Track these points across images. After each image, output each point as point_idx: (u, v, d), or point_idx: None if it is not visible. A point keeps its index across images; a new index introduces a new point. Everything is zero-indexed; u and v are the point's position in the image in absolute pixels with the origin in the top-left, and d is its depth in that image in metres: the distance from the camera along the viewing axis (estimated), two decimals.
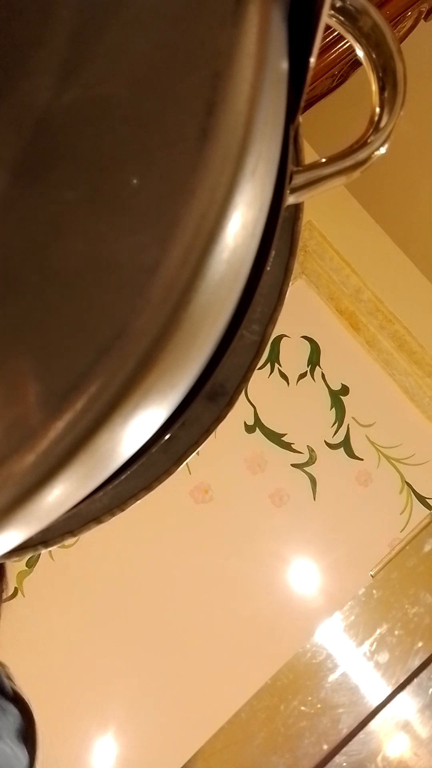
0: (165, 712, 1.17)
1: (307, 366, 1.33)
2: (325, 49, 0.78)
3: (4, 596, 0.51)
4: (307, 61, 0.15)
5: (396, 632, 1.25)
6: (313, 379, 1.33)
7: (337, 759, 1.17)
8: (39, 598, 1.15)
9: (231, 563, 1.23)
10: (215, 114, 0.12)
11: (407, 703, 1.22)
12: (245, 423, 1.29)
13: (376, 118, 0.19)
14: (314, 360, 1.34)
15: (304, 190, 0.18)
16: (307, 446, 1.30)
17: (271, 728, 1.20)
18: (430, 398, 1.33)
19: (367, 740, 1.19)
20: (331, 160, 0.19)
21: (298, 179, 0.18)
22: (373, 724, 1.20)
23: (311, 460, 1.30)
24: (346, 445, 1.32)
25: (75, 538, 0.25)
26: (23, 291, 0.12)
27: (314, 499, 1.29)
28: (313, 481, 1.29)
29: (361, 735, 1.19)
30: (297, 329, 1.34)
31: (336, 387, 1.33)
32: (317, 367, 1.34)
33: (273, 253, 0.18)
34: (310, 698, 1.21)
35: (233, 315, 0.16)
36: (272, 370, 1.31)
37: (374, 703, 1.22)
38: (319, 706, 1.21)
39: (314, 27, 0.14)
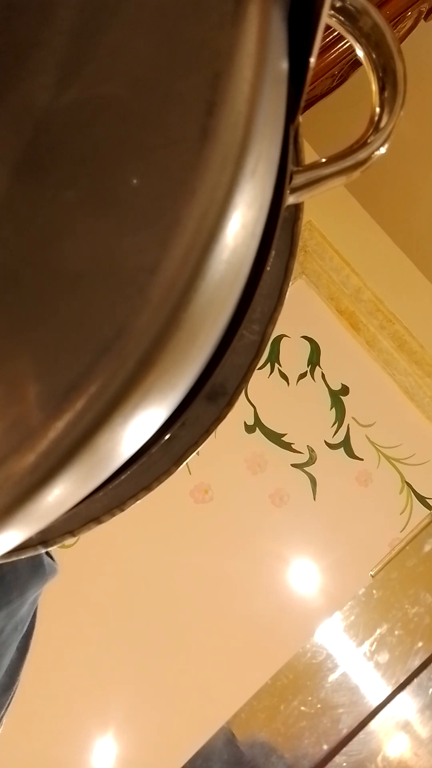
0: (165, 712, 1.17)
1: (307, 366, 1.33)
2: (325, 49, 0.78)
3: None
4: (307, 61, 0.15)
5: (396, 632, 1.25)
6: (313, 379, 1.33)
7: (337, 759, 1.17)
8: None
9: (231, 563, 1.23)
10: (215, 114, 0.12)
11: (407, 703, 1.22)
12: (245, 423, 1.29)
13: (376, 118, 0.19)
14: (314, 360, 1.34)
15: (304, 190, 0.18)
16: (307, 446, 1.30)
17: (271, 728, 1.20)
18: (430, 398, 1.33)
19: (367, 740, 1.19)
20: (331, 160, 0.19)
21: (298, 179, 0.18)
22: (373, 724, 1.20)
23: (311, 460, 1.30)
24: (346, 445, 1.31)
25: (75, 538, 0.25)
26: (23, 291, 0.12)
27: (314, 499, 1.29)
28: (313, 481, 1.29)
29: (361, 735, 1.19)
30: (297, 329, 1.34)
31: (336, 387, 1.33)
32: (317, 367, 1.34)
33: (273, 253, 0.18)
34: (310, 698, 1.21)
35: (233, 315, 0.16)
36: (272, 370, 1.31)
37: (374, 703, 1.22)
38: (319, 706, 1.21)
39: (314, 27, 0.14)
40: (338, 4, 0.17)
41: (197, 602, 1.21)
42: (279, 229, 0.17)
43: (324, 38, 0.72)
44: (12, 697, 0.44)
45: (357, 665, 1.24)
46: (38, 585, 0.43)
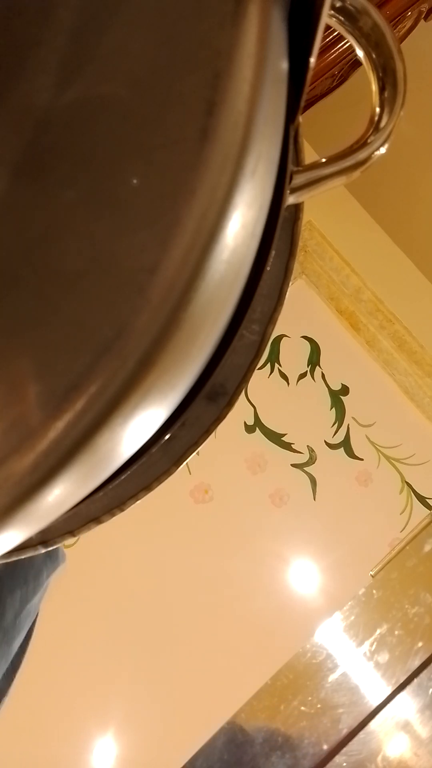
0: (165, 712, 1.17)
1: (307, 366, 1.33)
2: (325, 49, 0.78)
3: None
4: (307, 61, 0.15)
5: (396, 632, 1.25)
6: (313, 379, 1.33)
7: (337, 759, 1.17)
8: None
9: (231, 563, 1.23)
10: (215, 114, 0.12)
11: (407, 703, 1.22)
12: (245, 423, 1.29)
13: (376, 118, 0.19)
14: (314, 360, 1.34)
15: (304, 190, 0.18)
16: (307, 446, 1.30)
17: (271, 728, 1.20)
18: (430, 398, 1.33)
19: (367, 740, 1.19)
20: (331, 160, 0.19)
21: (298, 179, 0.18)
22: (373, 724, 1.20)
23: (311, 460, 1.30)
24: (346, 445, 1.31)
25: (75, 538, 0.25)
26: (23, 291, 0.12)
27: (314, 499, 1.29)
28: (313, 481, 1.29)
29: (361, 735, 1.19)
30: (297, 329, 1.34)
31: (336, 387, 1.33)
32: (317, 367, 1.34)
33: (273, 253, 0.18)
34: (310, 698, 1.21)
35: (233, 315, 0.16)
36: (272, 370, 1.31)
37: (374, 703, 1.22)
38: (319, 706, 1.21)
39: (314, 27, 0.14)
40: (338, 4, 0.17)
41: (197, 602, 1.21)
42: (279, 229, 0.17)
43: (324, 38, 0.72)
44: (13, 682, 0.45)
45: (357, 665, 1.24)
46: (52, 568, 0.44)
